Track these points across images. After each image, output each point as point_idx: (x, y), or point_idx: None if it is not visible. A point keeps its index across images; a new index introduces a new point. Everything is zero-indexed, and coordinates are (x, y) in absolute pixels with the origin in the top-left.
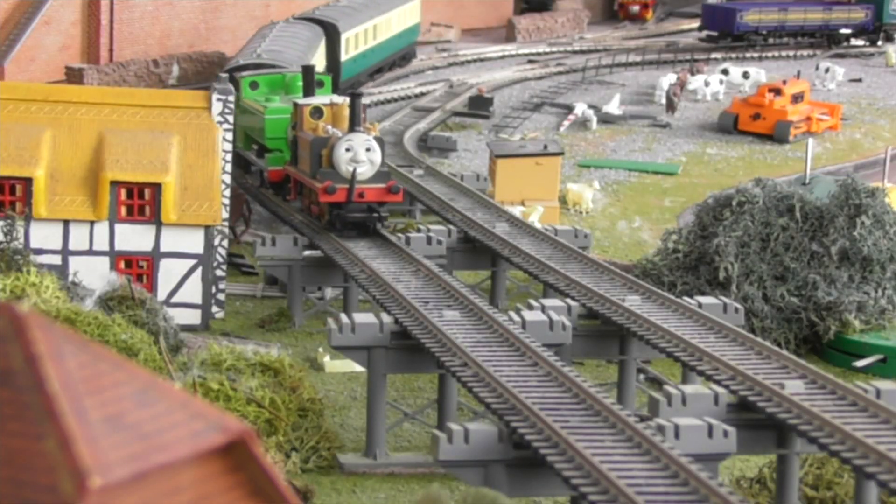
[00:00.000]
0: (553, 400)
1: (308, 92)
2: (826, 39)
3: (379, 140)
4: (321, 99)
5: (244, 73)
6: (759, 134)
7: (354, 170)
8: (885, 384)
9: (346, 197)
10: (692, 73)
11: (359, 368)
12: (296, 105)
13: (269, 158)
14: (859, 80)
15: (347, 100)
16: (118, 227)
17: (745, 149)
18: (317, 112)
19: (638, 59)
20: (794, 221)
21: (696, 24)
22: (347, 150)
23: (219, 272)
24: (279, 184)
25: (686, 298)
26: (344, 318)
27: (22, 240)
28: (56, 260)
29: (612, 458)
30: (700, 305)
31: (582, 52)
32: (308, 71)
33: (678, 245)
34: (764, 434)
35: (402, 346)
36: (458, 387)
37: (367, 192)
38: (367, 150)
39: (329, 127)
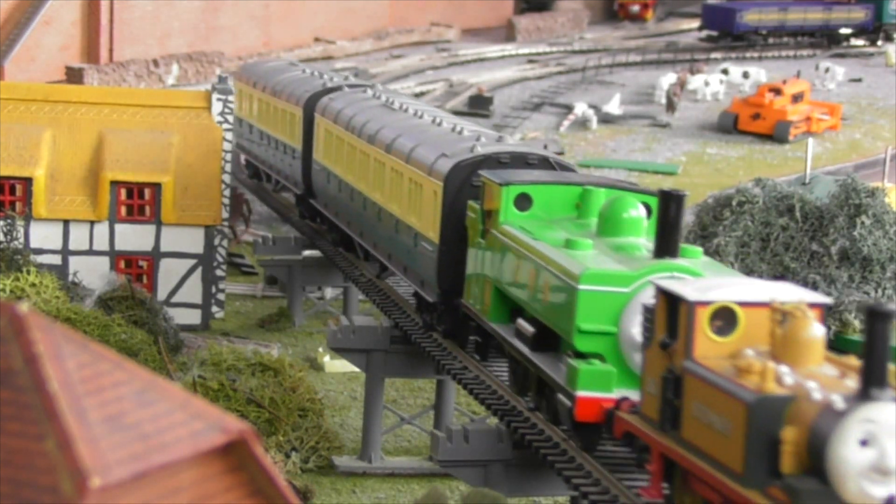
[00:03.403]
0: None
1: (667, 245)
2: (826, 39)
3: None
4: (740, 288)
5: (500, 177)
6: (759, 134)
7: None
8: None
9: None
10: (692, 73)
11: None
12: (674, 298)
13: (583, 374)
14: (859, 80)
15: (809, 299)
16: (118, 227)
17: (745, 149)
18: (724, 317)
19: (638, 59)
20: (794, 221)
21: (696, 24)
22: (865, 442)
23: (219, 272)
24: (596, 427)
25: None
26: (343, 320)
27: (22, 240)
28: (56, 260)
29: (613, 459)
30: None
31: (582, 52)
32: (674, 201)
33: None
34: None
35: (401, 349)
36: (456, 391)
37: None
38: None
39: (785, 371)
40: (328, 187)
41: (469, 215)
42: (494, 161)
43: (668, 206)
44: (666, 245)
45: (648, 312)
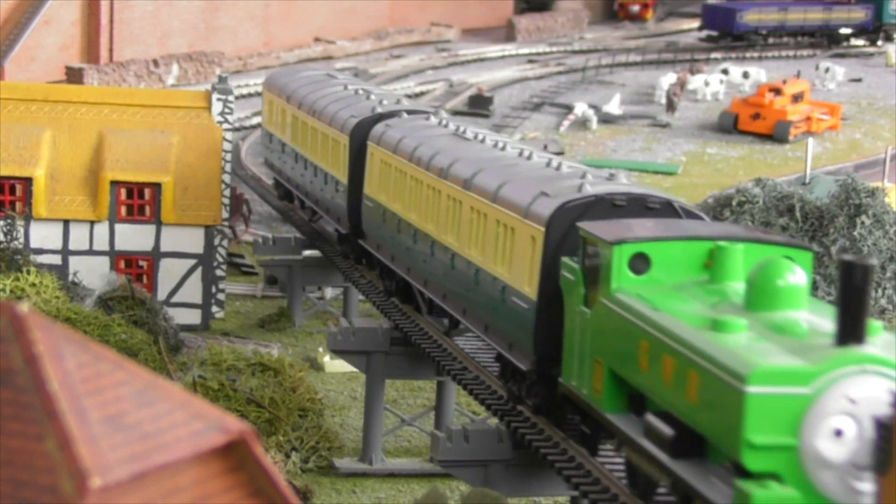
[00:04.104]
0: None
1: (853, 329)
2: (826, 39)
3: None
4: None
5: (609, 232)
6: (759, 134)
7: None
8: None
9: None
10: (692, 73)
11: None
12: None
13: (760, 500)
14: (859, 80)
15: None
16: (118, 227)
17: (745, 149)
18: None
19: (638, 59)
20: (794, 221)
21: (696, 24)
22: None
23: (219, 272)
24: None
25: None
26: (343, 321)
27: (22, 240)
28: (56, 260)
29: (612, 459)
30: None
31: (582, 52)
32: (860, 271)
33: None
34: None
35: (402, 351)
36: (456, 392)
37: None
38: None
39: None
40: (383, 227)
41: (565, 276)
42: (608, 204)
43: (852, 277)
44: (852, 329)
45: (884, 429)
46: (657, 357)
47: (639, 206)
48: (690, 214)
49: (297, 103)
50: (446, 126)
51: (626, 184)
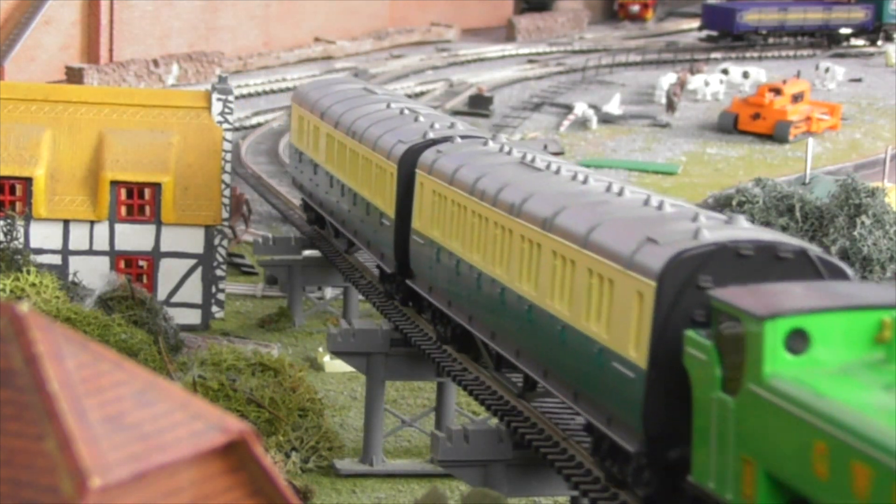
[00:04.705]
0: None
1: None
2: (826, 39)
3: None
4: None
5: (756, 302)
6: (759, 134)
7: None
8: None
9: None
10: (692, 73)
11: None
12: None
13: None
14: (859, 80)
15: None
16: (118, 227)
17: (745, 149)
18: None
19: (638, 59)
20: (794, 221)
21: (696, 24)
22: None
23: (219, 272)
24: None
25: None
26: (343, 323)
27: (22, 240)
28: (56, 260)
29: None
30: None
31: (582, 52)
32: None
33: None
34: None
35: (402, 352)
36: (456, 392)
37: None
38: None
39: None
40: (437, 268)
41: (692, 354)
42: (732, 253)
43: None
44: None
45: None
46: (842, 463)
47: (768, 255)
48: (830, 266)
49: (334, 122)
50: (510, 153)
51: (748, 228)
